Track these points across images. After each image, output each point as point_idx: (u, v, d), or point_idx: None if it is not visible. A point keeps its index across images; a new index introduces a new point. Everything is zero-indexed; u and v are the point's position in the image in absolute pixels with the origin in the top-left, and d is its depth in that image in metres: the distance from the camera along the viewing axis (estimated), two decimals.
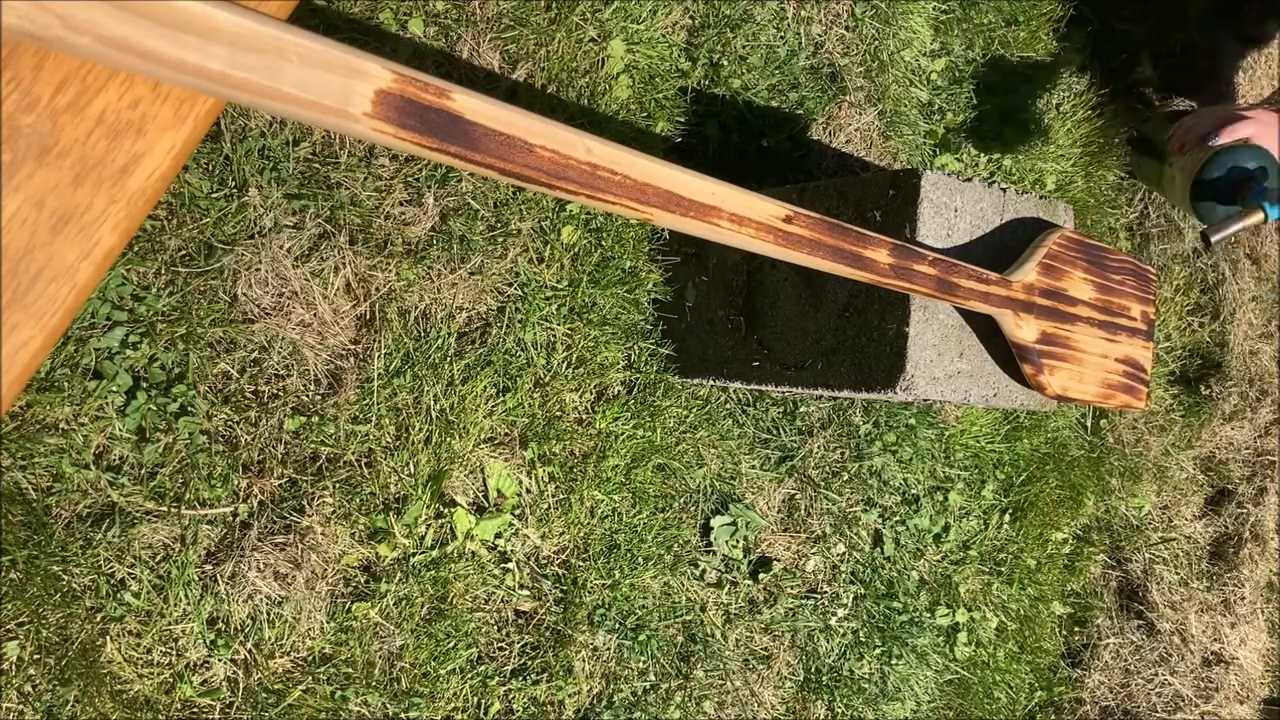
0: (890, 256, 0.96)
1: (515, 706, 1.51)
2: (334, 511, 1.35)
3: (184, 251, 1.26)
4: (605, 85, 1.50)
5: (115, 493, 1.24)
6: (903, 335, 1.17)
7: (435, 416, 1.40)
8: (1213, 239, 1.40)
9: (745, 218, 0.83)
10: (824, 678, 1.79)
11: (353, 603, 1.38)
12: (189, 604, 1.28)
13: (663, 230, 1.58)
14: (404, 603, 1.41)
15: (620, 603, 1.57)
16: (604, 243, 1.52)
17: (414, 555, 1.41)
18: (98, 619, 1.25)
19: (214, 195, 1.26)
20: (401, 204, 1.37)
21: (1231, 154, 1.52)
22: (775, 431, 1.72)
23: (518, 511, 1.49)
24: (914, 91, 1.82)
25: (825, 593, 1.78)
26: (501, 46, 1.42)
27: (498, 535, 1.47)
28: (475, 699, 1.48)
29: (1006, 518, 2.03)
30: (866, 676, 1.84)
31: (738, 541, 1.68)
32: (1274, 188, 1.41)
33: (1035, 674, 2.16)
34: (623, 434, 1.55)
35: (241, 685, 1.32)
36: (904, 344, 1.17)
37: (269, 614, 1.32)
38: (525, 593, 1.51)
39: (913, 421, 1.84)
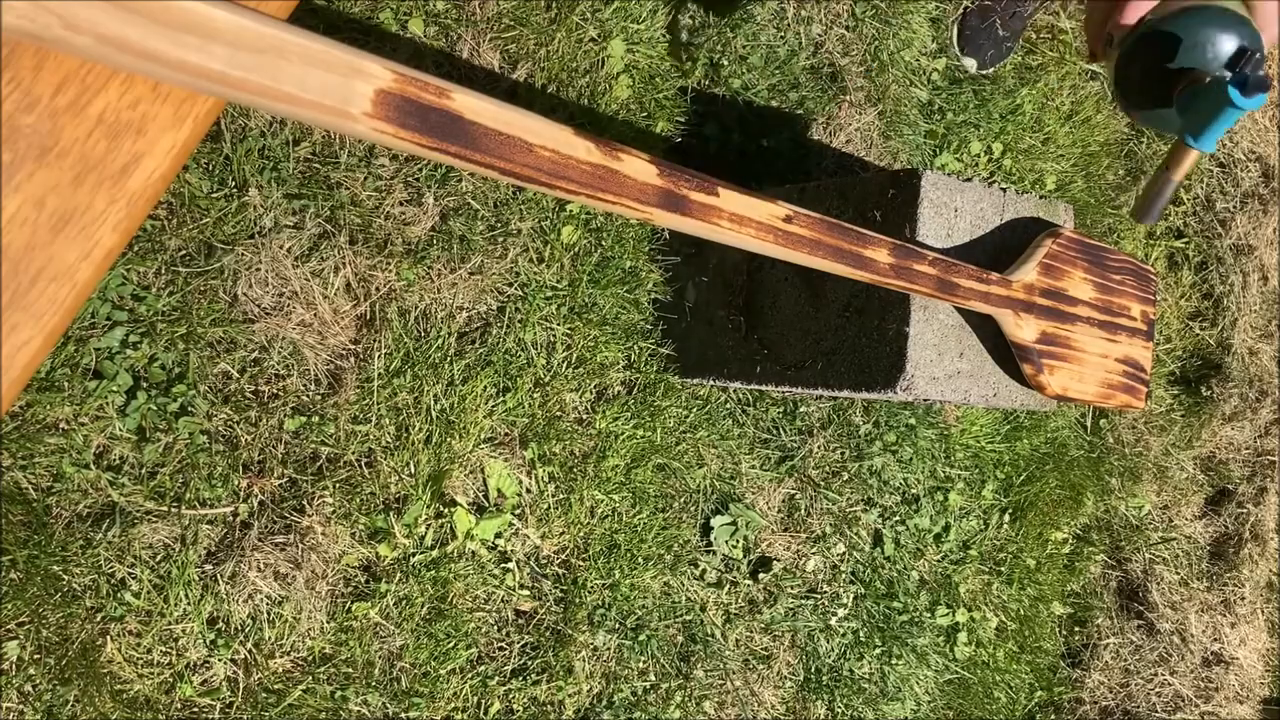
0: (890, 256, 0.96)
1: (515, 706, 1.51)
2: (334, 511, 1.35)
3: (184, 251, 1.26)
4: (605, 85, 1.50)
5: (115, 492, 1.24)
6: (903, 335, 1.17)
7: (435, 416, 1.40)
8: (1144, 220, 0.91)
9: (745, 218, 0.83)
10: (824, 678, 1.79)
11: (353, 603, 1.38)
12: (189, 604, 1.28)
13: (663, 230, 1.58)
14: (404, 603, 1.40)
15: (620, 603, 1.57)
16: (604, 243, 1.52)
17: (414, 555, 1.41)
18: (98, 619, 1.25)
19: (214, 195, 1.26)
20: (401, 204, 1.37)
21: (1185, 19, 0.78)
22: (775, 431, 1.72)
23: (518, 511, 1.49)
24: (914, 91, 1.82)
25: (825, 593, 1.78)
26: (501, 46, 1.42)
27: (498, 535, 1.47)
28: (475, 699, 1.48)
29: (1006, 518, 2.03)
30: (866, 676, 1.84)
31: (738, 541, 1.68)
32: (1250, 71, 0.75)
33: (1035, 674, 2.16)
34: (623, 434, 1.55)
35: (241, 685, 1.32)
36: (904, 344, 1.17)
37: (269, 614, 1.32)
38: (525, 593, 1.51)
39: (913, 421, 1.84)
